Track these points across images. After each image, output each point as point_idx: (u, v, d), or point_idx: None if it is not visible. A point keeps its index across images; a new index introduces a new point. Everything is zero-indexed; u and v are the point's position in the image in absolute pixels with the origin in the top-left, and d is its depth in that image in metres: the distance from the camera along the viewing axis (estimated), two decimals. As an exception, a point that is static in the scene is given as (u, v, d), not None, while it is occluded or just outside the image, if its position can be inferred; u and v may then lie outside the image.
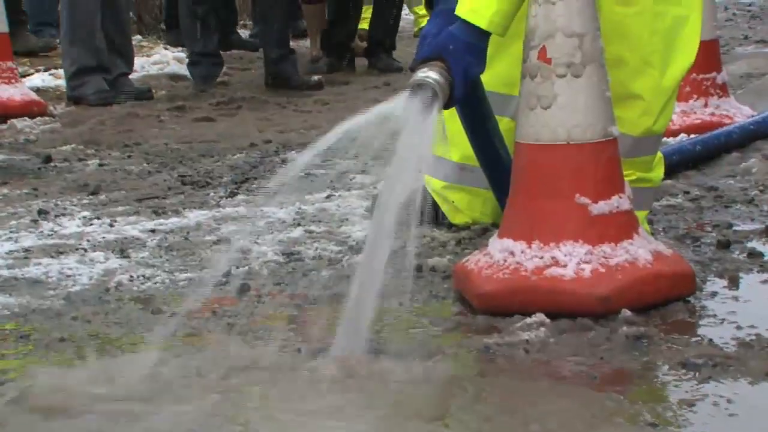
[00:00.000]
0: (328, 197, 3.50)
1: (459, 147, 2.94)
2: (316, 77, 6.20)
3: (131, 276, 2.75)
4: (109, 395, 2.01)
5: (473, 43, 2.42)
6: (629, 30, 2.63)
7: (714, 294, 2.47)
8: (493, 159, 2.69)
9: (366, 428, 1.87)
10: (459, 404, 1.94)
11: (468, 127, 2.67)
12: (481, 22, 2.41)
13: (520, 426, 1.84)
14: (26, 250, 3.02)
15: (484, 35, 2.43)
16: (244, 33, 8.10)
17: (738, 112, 4.38)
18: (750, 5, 9.39)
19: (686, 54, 2.72)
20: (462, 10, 2.43)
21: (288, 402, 1.96)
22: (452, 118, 2.67)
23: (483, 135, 2.67)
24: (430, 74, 2.36)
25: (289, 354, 2.17)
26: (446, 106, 2.41)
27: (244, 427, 1.88)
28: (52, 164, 4.22)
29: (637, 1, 2.63)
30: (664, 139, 3.35)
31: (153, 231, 3.18)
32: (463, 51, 2.40)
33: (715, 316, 2.34)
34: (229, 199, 3.56)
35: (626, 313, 2.29)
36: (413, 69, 2.42)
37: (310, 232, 3.10)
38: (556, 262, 2.33)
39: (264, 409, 1.94)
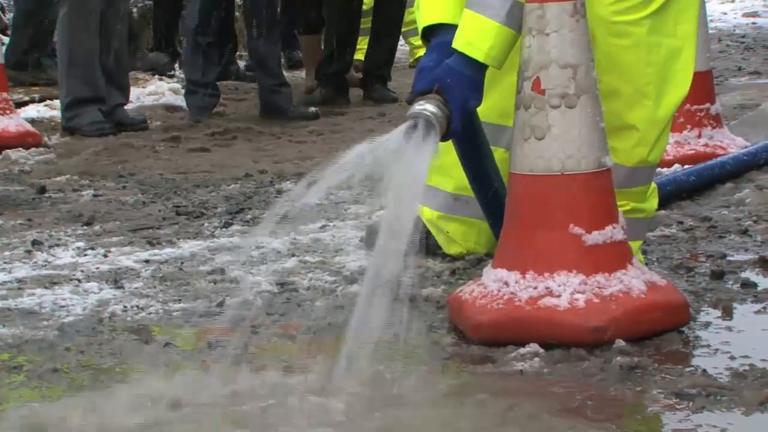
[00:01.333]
0: (322, 227, 3.50)
1: (453, 177, 2.94)
2: (312, 108, 6.21)
3: (125, 306, 2.75)
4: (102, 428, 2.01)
5: (470, 76, 2.43)
6: (624, 61, 2.64)
7: (708, 324, 2.47)
8: (488, 189, 2.69)
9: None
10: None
11: (463, 158, 2.68)
12: (479, 55, 2.42)
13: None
14: (20, 280, 3.01)
15: (481, 68, 2.44)
16: (240, 64, 8.11)
17: (731, 143, 4.39)
18: (743, 37, 9.43)
19: (680, 85, 2.73)
20: (459, 43, 2.44)
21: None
22: (447, 149, 2.68)
23: (478, 166, 2.67)
24: (427, 107, 2.37)
25: (289, 383, 2.17)
26: (443, 139, 2.42)
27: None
28: (46, 195, 4.22)
29: (632, 32, 2.64)
30: (658, 169, 3.36)
31: (147, 261, 3.18)
32: (460, 84, 2.41)
33: (708, 346, 2.34)
34: (224, 229, 3.56)
35: (620, 343, 2.29)
36: (410, 102, 2.43)
37: (305, 262, 3.10)
38: (550, 293, 2.33)
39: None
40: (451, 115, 2.40)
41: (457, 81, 2.41)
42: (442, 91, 2.40)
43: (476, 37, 2.42)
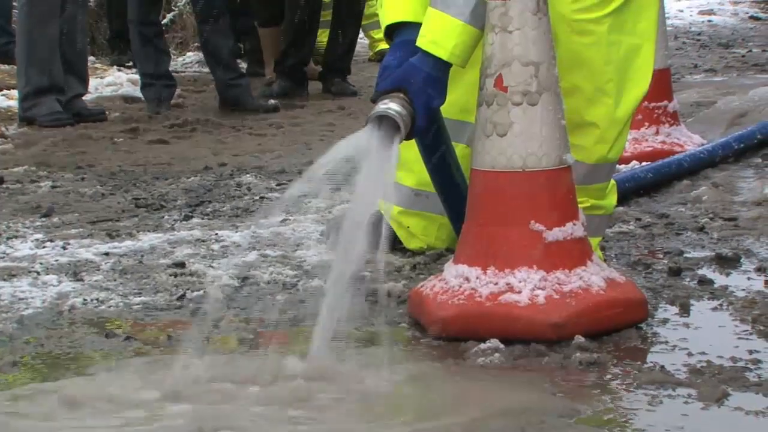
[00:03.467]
0: (283, 221, 3.50)
1: (414, 173, 2.95)
2: (272, 101, 6.19)
3: (85, 299, 2.73)
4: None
5: (434, 75, 2.44)
6: (585, 59, 2.66)
7: (665, 321, 2.50)
8: (450, 186, 2.70)
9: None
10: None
11: (425, 155, 2.69)
12: (443, 54, 2.43)
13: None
14: (-22, 272, 2.99)
15: (445, 67, 2.45)
16: (198, 55, 8.07)
17: (689, 141, 4.44)
18: (699, 34, 9.51)
19: (640, 83, 2.76)
20: (423, 42, 2.45)
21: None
22: (408, 144, 2.69)
23: (440, 163, 2.68)
24: (391, 106, 2.38)
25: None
26: (407, 137, 2.43)
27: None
28: (3, 186, 4.18)
29: (593, 30, 2.66)
30: (616, 166, 3.39)
31: (107, 254, 3.16)
32: (424, 83, 2.42)
33: (666, 342, 2.37)
34: (184, 222, 3.55)
35: (579, 339, 2.32)
36: (374, 101, 2.44)
37: (265, 256, 3.10)
38: (510, 289, 2.35)
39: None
40: (415, 114, 2.41)
41: (421, 80, 2.42)
42: (406, 89, 2.41)
43: (440, 35, 2.43)
